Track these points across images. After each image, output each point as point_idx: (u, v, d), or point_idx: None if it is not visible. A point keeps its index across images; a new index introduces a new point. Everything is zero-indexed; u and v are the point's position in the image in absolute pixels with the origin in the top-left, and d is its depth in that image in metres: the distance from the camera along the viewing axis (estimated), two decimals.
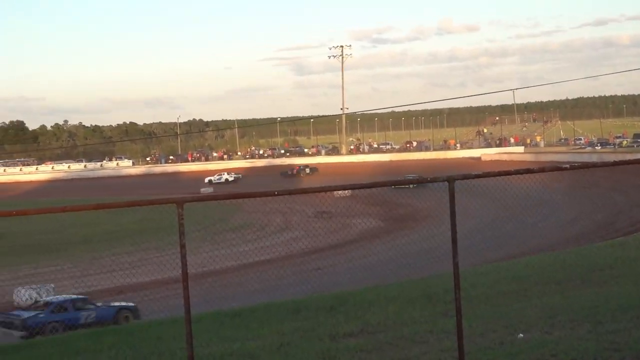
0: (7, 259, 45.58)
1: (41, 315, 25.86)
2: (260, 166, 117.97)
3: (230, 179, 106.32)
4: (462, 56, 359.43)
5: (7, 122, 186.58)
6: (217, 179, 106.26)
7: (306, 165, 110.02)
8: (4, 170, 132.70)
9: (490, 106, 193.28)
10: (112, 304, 28.14)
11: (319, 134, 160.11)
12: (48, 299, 28.52)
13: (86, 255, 46.04)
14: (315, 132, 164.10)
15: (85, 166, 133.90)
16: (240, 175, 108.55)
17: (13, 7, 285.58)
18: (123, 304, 28.16)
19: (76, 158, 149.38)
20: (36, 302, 28.76)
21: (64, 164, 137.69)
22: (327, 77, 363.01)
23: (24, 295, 32.16)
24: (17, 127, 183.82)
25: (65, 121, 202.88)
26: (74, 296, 28.75)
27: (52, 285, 33.72)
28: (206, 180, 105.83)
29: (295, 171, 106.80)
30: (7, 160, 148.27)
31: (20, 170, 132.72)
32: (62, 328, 25.11)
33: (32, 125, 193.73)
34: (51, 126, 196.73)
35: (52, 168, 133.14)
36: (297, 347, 10.46)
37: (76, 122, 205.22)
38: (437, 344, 9.79)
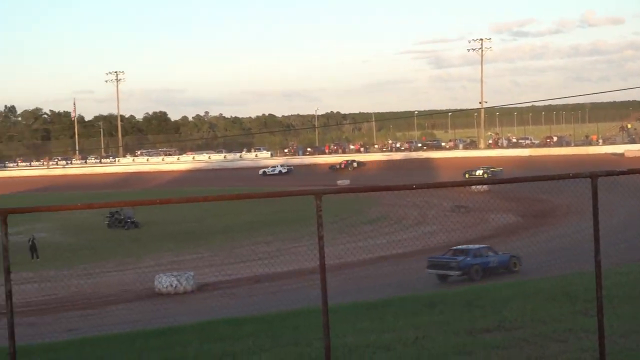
0: (150, 246, 47.05)
1: (467, 259, 31.93)
2: (397, 159, 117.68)
3: (284, 170, 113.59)
4: (605, 49, 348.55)
5: (150, 113, 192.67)
6: (271, 171, 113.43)
7: (353, 160, 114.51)
8: (147, 160, 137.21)
9: (635, 101, 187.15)
10: (504, 253, 34.13)
11: (456, 127, 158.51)
12: (464, 247, 34.01)
13: (226, 244, 46.97)
14: (453, 126, 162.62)
15: (225, 157, 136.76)
16: (292, 167, 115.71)
17: (158, 2, 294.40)
18: (512, 254, 33.83)
19: (216, 149, 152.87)
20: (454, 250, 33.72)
21: (204, 154, 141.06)
22: (465, 70, 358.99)
23: (165, 282, 33.08)
24: (160, 118, 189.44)
25: (206, 112, 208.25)
26: (482, 245, 34.82)
27: (192, 273, 34.51)
28: (260, 172, 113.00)
29: (343, 165, 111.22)
30: (150, 150, 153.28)
31: (163, 160, 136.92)
32: (481, 270, 31.55)
33: (174, 116, 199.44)
34: (192, 117, 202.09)
35: (193, 158, 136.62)
36: (433, 341, 10.41)
37: (217, 114, 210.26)
38: (577, 343, 9.57)
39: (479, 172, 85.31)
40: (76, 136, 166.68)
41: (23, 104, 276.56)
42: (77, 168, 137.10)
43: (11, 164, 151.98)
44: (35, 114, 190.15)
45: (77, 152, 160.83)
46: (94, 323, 26.05)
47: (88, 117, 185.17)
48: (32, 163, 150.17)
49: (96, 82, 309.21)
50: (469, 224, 47.84)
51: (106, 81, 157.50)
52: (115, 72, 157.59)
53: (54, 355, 12.55)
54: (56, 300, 31.85)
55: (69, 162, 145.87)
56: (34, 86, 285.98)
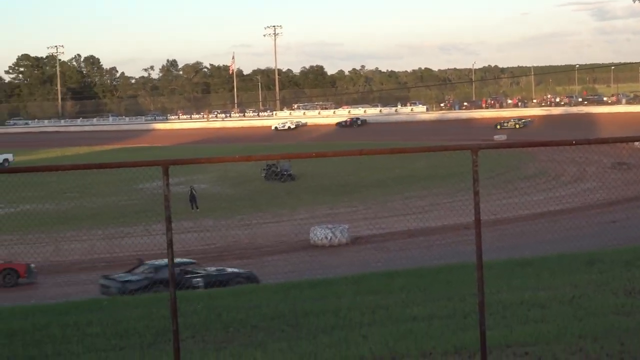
0: (305, 198, 47.76)
1: None
2: (556, 114, 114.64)
3: (292, 126, 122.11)
4: None
5: (307, 67, 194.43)
6: (281, 126, 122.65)
7: (357, 118, 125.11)
8: (304, 114, 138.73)
9: None
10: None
11: (619, 82, 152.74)
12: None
13: (379, 198, 47.13)
14: (616, 80, 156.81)
15: (380, 111, 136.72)
16: (300, 122, 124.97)
17: None
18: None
19: (372, 103, 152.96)
20: None
21: (360, 108, 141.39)
22: (630, 22, 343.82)
23: (319, 234, 33.53)
24: (317, 72, 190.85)
25: (362, 66, 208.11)
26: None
27: (346, 226, 34.82)
28: (273, 127, 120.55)
29: (349, 122, 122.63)
30: (306, 103, 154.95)
31: (319, 113, 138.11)
32: None
33: (330, 70, 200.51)
34: (349, 71, 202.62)
35: (349, 112, 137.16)
36: (590, 300, 10.15)
37: (373, 68, 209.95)
38: None
39: None
40: (235, 90, 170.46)
41: (184, 58, 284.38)
42: (235, 121, 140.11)
43: (173, 117, 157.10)
44: (195, 68, 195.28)
45: (235, 105, 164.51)
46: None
47: (246, 71, 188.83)
48: (193, 116, 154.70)
49: (254, 36, 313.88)
50: (630, 181, 46.18)
51: (264, 35, 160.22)
52: (273, 26, 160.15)
53: (212, 302, 12.94)
54: (214, 250, 32.83)
55: (227, 115, 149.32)
56: (195, 40, 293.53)
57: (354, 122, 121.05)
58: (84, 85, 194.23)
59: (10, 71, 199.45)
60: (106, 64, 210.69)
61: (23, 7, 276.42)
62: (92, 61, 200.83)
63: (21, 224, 38.08)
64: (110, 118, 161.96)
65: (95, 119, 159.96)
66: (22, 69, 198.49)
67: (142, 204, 43.72)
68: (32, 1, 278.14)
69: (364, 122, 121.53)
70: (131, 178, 44.34)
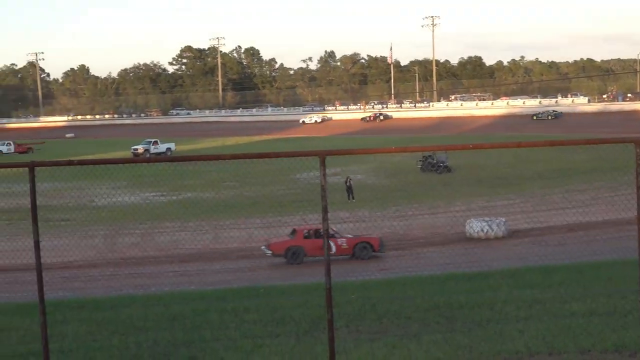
0: (461, 190, 47.26)
1: None
2: None
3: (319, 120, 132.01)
4: None
5: (465, 58, 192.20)
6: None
7: (380, 114, 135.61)
8: (461, 105, 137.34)
9: None
10: None
11: None
12: None
13: (537, 191, 46.13)
14: None
15: (540, 102, 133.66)
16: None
17: None
18: None
19: (531, 94, 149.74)
20: None
21: (518, 99, 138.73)
22: None
23: (476, 227, 33.10)
24: (475, 63, 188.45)
25: (522, 57, 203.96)
26: None
27: (503, 219, 34.25)
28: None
29: (372, 118, 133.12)
30: (464, 94, 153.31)
31: (477, 105, 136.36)
32: None
33: (489, 60, 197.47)
34: (507, 62, 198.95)
35: (507, 103, 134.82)
36: None
37: (532, 58, 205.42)
38: None
39: None
40: (392, 81, 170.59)
41: (342, 49, 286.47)
42: (392, 112, 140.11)
43: (330, 107, 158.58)
44: (353, 59, 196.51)
45: (392, 96, 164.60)
46: (406, 264, 26.74)
47: (404, 62, 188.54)
48: (350, 107, 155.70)
49: (412, 27, 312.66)
50: None
51: (422, 26, 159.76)
52: (432, 16, 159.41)
53: (366, 293, 13.03)
54: None
55: (384, 106, 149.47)
56: (353, 31, 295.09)
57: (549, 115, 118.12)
58: (244, 76, 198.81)
59: (174, 63, 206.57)
60: (266, 55, 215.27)
61: (186, 0, 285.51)
62: (252, 52, 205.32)
63: (182, 211, 39.41)
64: (269, 109, 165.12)
65: (254, 110, 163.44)
66: (185, 61, 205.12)
67: (299, 194, 44.38)
68: None
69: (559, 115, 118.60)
70: (289, 168, 45.07)
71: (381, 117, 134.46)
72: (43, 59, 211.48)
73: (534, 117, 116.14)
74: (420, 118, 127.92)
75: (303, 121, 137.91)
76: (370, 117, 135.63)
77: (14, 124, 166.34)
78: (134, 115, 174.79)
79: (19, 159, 74.79)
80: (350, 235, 29.72)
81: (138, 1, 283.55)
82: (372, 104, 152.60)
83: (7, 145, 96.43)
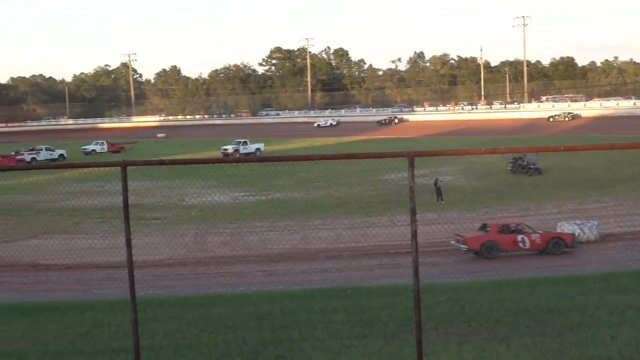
0: (552, 192, 46.47)
1: None
2: None
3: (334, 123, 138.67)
4: None
5: (557, 58, 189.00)
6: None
7: (395, 117, 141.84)
8: (553, 106, 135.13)
9: None
10: None
11: None
12: None
13: (632, 194, 45.05)
14: None
15: (634, 103, 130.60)
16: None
17: None
18: None
19: (625, 95, 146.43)
20: None
21: (612, 100, 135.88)
22: None
23: (567, 230, 32.47)
24: (567, 63, 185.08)
25: (616, 57, 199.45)
26: None
27: (595, 222, 33.56)
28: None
29: (387, 121, 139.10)
30: (555, 95, 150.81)
31: (569, 106, 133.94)
32: None
33: (581, 61, 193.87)
34: (601, 62, 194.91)
35: (600, 105, 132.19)
36: None
37: (626, 59, 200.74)
38: None
39: None
40: (482, 81, 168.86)
41: (431, 50, 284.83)
42: (482, 113, 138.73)
43: (419, 108, 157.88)
44: (442, 60, 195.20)
45: (482, 97, 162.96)
46: (498, 266, 26.41)
47: (494, 63, 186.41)
48: (439, 107, 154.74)
49: (503, 27, 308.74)
50: None
51: (513, 26, 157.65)
52: (522, 16, 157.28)
53: (455, 295, 12.90)
54: None
55: (474, 107, 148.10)
56: (442, 32, 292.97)
57: None
58: (333, 77, 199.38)
59: (264, 63, 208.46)
60: (355, 56, 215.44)
61: (276, 1, 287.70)
62: (341, 53, 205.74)
63: (271, 211, 39.69)
64: (358, 109, 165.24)
65: (343, 110, 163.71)
66: (274, 62, 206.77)
67: (387, 195, 44.24)
68: None
69: None
70: (377, 169, 44.97)
71: (396, 121, 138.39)
72: (136, 60, 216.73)
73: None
74: (510, 119, 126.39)
75: (318, 124, 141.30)
76: (385, 120, 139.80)
77: (107, 124, 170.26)
78: (224, 115, 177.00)
79: (112, 158, 76.45)
80: (541, 231, 30.11)
81: (229, 3, 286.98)
82: (462, 105, 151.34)
83: (100, 144, 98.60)
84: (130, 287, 8.04)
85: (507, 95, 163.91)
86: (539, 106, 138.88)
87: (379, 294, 13.46)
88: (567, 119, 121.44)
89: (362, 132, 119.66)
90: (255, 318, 11.29)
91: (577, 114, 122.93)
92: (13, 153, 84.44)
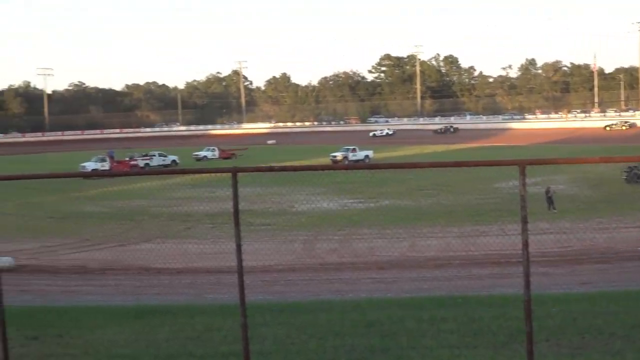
0: None
1: None
2: None
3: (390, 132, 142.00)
4: None
5: None
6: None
7: (451, 125, 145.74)
8: None
9: None
10: None
11: None
12: None
13: None
14: None
15: None
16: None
17: None
18: None
19: None
20: None
21: None
22: None
23: None
24: None
25: None
26: None
27: None
28: None
29: (442, 130, 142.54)
30: None
31: None
32: None
33: None
34: None
35: None
36: None
37: None
38: None
39: None
40: (595, 89, 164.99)
41: (543, 57, 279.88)
42: (595, 121, 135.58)
43: (530, 116, 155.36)
44: (555, 67, 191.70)
45: (595, 104, 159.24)
46: (609, 278, 25.71)
47: (608, 70, 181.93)
48: (551, 115, 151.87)
49: (617, 33, 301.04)
50: None
51: (628, 32, 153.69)
52: (638, 22, 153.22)
53: (566, 306, 12.61)
54: (570, 252, 31.92)
55: (587, 114, 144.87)
56: (555, 39, 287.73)
57: None
58: (442, 84, 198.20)
59: (373, 70, 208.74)
60: (465, 62, 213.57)
61: (385, 9, 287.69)
62: (451, 60, 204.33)
63: (380, 218, 39.63)
64: (468, 117, 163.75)
65: (452, 118, 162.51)
66: (384, 69, 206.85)
67: (497, 203, 43.64)
68: (397, 2, 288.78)
69: None
70: (487, 177, 44.48)
71: (451, 130, 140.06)
72: (247, 68, 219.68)
73: None
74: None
75: (374, 134, 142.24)
76: (441, 129, 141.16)
77: (218, 131, 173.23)
78: (333, 122, 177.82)
79: (223, 165, 77.65)
80: None
81: (339, 12, 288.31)
82: (574, 112, 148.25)
83: (211, 151, 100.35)
84: (240, 291, 8.14)
85: (622, 102, 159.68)
86: None
87: (489, 304, 13.26)
88: None
89: (474, 140, 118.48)
90: (363, 325, 11.28)
91: None
92: (127, 159, 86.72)
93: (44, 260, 30.78)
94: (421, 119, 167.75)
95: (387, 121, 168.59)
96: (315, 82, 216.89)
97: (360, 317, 11.95)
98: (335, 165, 12.35)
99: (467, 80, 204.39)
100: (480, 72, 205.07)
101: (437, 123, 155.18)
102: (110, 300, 19.32)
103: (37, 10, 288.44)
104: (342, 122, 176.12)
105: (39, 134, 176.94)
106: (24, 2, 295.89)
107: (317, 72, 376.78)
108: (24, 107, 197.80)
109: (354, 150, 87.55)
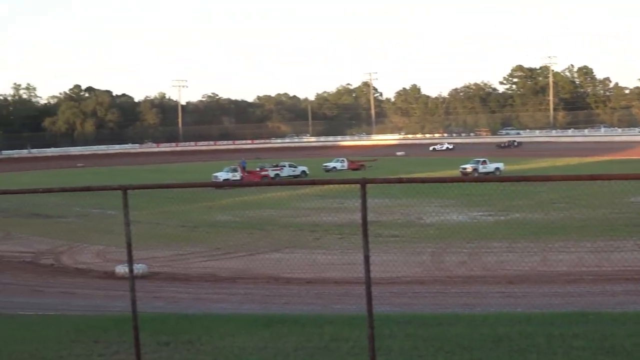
0: None
1: None
2: None
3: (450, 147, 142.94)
4: None
5: None
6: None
7: (514, 140, 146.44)
8: None
9: None
10: None
11: None
12: None
13: None
14: None
15: None
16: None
17: None
18: None
19: None
20: None
21: None
22: None
23: None
24: None
25: None
26: None
27: None
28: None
29: (506, 144, 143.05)
30: None
31: None
32: None
33: None
34: None
35: None
36: None
37: None
38: None
39: None
40: None
41: None
42: None
43: None
44: None
45: None
46: None
47: None
48: None
49: None
50: None
51: None
52: None
53: None
54: None
55: None
56: None
57: None
58: (576, 96, 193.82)
59: (504, 82, 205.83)
60: (599, 74, 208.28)
61: (517, 20, 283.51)
62: (586, 71, 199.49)
63: (510, 232, 38.95)
64: (602, 129, 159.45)
65: (586, 130, 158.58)
66: (515, 80, 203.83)
67: (632, 218, 42.30)
68: (529, 13, 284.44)
69: None
70: (623, 190, 43.10)
71: (515, 144, 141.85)
72: (377, 79, 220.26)
73: None
74: None
75: (434, 148, 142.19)
76: (505, 143, 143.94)
77: (348, 142, 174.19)
78: (463, 134, 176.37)
79: (352, 176, 77.98)
80: None
81: (469, 24, 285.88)
82: None
83: (341, 162, 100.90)
84: (367, 303, 8.14)
85: None
86: None
87: (622, 321, 12.84)
88: None
89: (609, 153, 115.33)
90: (492, 340, 11.11)
91: None
92: (258, 169, 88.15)
93: (176, 267, 31.58)
94: (554, 131, 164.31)
95: (518, 133, 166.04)
96: (445, 94, 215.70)
97: (489, 331, 11.78)
98: (465, 178, 12.14)
99: (602, 91, 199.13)
100: (616, 84, 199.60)
101: (570, 135, 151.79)
102: (240, 309, 19.65)
103: (171, 23, 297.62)
104: (472, 134, 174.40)
105: (173, 144, 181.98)
106: (160, 16, 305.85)
107: (447, 84, 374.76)
108: (159, 118, 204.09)
109: (484, 162, 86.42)
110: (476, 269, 31.04)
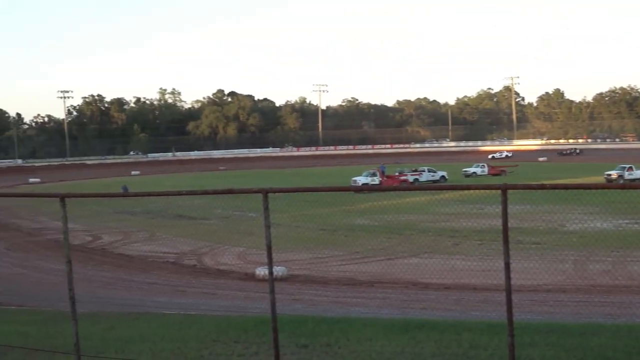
0: None
1: None
2: None
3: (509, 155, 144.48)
4: None
5: None
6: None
7: (575, 149, 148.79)
8: None
9: None
10: None
11: None
12: None
13: None
14: None
15: None
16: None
17: None
18: None
19: None
20: None
21: None
22: None
23: None
24: None
25: None
26: None
27: None
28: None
29: (568, 152, 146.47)
30: None
31: None
32: None
33: None
34: None
35: None
36: None
37: None
38: None
39: None
40: None
41: None
42: None
43: None
44: None
45: None
46: None
47: None
48: None
49: None
50: None
51: None
52: None
53: None
54: None
55: None
56: None
57: None
58: None
59: None
60: None
61: None
62: None
63: None
64: None
65: None
66: None
67: None
68: None
69: None
70: None
71: (577, 152, 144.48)
72: (519, 83, 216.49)
73: None
74: None
75: (493, 156, 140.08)
76: (566, 150, 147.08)
77: (488, 147, 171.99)
78: (608, 140, 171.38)
79: (492, 181, 76.85)
80: None
81: (609, 26, 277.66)
82: None
83: (481, 167, 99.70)
84: (507, 310, 8.02)
85: None
86: None
87: None
88: None
89: None
90: (637, 352, 10.76)
91: None
92: (397, 174, 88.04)
93: (314, 270, 31.89)
94: None
95: None
96: (589, 98, 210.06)
97: (635, 343, 11.41)
98: (609, 184, 11.84)
99: None
100: None
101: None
102: (378, 313, 19.67)
103: (312, 28, 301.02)
104: (617, 140, 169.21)
105: (313, 148, 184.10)
106: (300, 21, 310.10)
107: (592, 88, 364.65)
108: (300, 122, 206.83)
109: (630, 169, 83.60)
110: (621, 278, 30.09)
